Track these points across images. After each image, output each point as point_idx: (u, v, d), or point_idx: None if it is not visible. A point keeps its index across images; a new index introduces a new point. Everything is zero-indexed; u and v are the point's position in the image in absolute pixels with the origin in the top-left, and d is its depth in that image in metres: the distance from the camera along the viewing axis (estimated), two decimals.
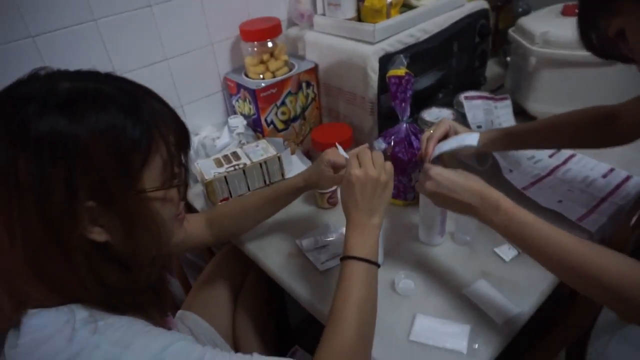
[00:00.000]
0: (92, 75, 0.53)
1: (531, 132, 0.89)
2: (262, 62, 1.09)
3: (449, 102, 1.20)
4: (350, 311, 0.60)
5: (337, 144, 0.86)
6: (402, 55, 0.94)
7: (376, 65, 1.01)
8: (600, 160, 1.06)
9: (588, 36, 0.64)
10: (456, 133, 0.87)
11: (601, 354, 0.80)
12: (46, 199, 0.46)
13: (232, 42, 1.16)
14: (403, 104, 0.95)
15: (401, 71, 0.92)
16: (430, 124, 1.07)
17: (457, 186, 0.71)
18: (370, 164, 0.70)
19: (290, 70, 1.12)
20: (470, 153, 0.97)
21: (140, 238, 0.53)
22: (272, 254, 0.94)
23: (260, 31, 1.06)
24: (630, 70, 0.66)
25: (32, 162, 0.46)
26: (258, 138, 1.13)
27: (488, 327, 0.73)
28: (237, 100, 1.14)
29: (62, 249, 0.49)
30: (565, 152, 1.11)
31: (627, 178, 1.01)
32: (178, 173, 0.56)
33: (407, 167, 0.97)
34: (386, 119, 1.10)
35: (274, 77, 1.09)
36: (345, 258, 0.65)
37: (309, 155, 1.19)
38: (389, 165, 0.71)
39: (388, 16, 1.07)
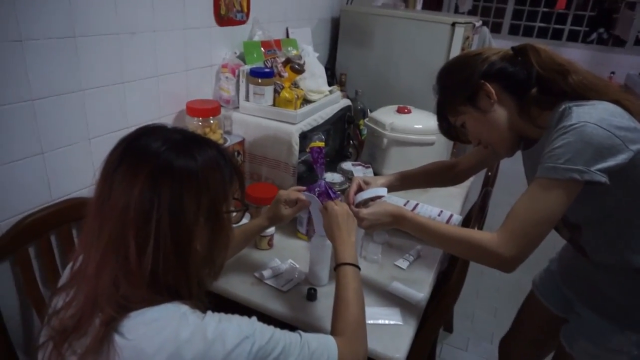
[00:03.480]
0: (180, 129, 0.73)
1: (410, 176, 1.35)
2: (204, 134, 1.33)
3: (332, 169, 1.65)
4: (351, 295, 0.89)
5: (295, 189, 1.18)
6: (320, 132, 1.33)
7: (298, 140, 1.38)
8: (434, 206, 1.62)
9: (442, 126, 1.13)
10: (365, 182, 1.28)
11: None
12: (180, 217, 0.66)
13: (175, 116, 1.39)
14: (322, 167, 1.33)
15: (320, 143, 1.31)
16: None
17: (377, 215, 1.08)
18: (341, 204, 1.05)
19: (225, 142, 1.39)
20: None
21: (219, 246, 0.74)
22: (237, 286, 1.15)
23: (206, 110, 1.33)
24: (440, 148, 1.18)
25: (174, 189, 0.65)
26: None
27: (409, 306, 1.12)
28: None
29: (182, 258, 0.67)
30: (412, 202, 1.65)
31: (451, 216, 1.59)
32: (246, 209, 0.80)
33: None
34: (299, 179, 1.46)
35: None
36: (340, 265, 0.93)
37: None
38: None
39: (295, 106, 1.47)
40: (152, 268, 0.64)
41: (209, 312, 0.68)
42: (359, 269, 0.95)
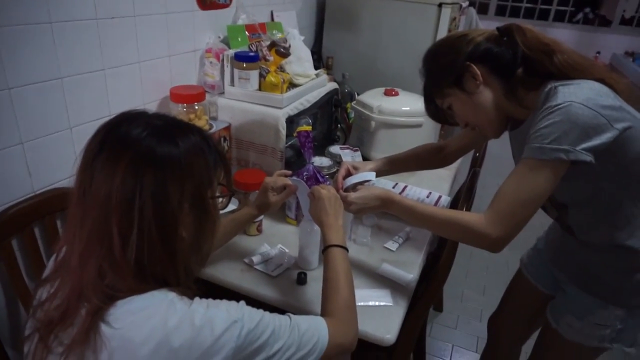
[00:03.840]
0: (162, 115, 0.72)
1: (399, 160, 1.35)
2: (190, 120, 1.31)
3: (321, 153, 1.64)
4: (341, 277, 0.88)
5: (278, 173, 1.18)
6: (307, 116, 1.32)
7: (284, 124, 1.37)
8: (423, 188, 1.63)
9: (430, 108, 1.12)
10: (354, 167, 1.27)
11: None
12: (164, 205, 0.64)
13: (158, 103, 1.36)
14: (309, 151, 1.32)
15: (308, 127, 1.30)
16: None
17: (365, 199, 1.08)
18: (328, 187, 1.04)
19: (210, 128, 1.37)
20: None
21: (205, 233, 0.72)
22: (227, 273, 1.14)
23: (191, 96, 1.31)
24: (428, 130, 1.17)
25: (157, 176, 0.63)
26: None
27: (399, 288, 1.12)
28: None
29: (168, 246, 0.66)
30: (401, 184, 1.65)
31: (439, 197, 1.59)
32: (233, 194, 0.78)
33: None
34: (287, 164, 1.45)
35: None
36: (328, 247, 0.93)
37: None
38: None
39: (282, 90, 1.45)
40: (137, 256, 0.63)
41: (197, 299, 0.67)
42: (347, 250, 0.95)
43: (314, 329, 0.75)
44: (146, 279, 0.65)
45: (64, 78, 1.07)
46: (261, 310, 0.71)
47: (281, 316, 0.73)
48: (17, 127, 0.99)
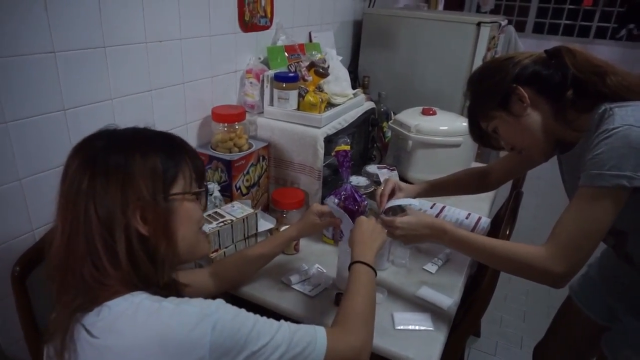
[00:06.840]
0: (131, 128, 0.78)
1: (440, 185, 1.34)
2: (230, 139, 1.34)
3: (356, 172, 1.63)
4: (359, 291, 0.86)
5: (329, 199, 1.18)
6: (345, 136, 1.33)
7: (322, 143, 1.38)
8: (461, 209, 1.59)
9: (475, 132, 1.10)
10: (399, 187, 1.26)
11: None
12: (107, 209, 0.65)
13: (200, 122, 1.40)
14: (347, 170, 1.32)
15: (346, 147, 1.30)
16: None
17: (413, 225, 1.04)
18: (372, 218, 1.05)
19: (250, 147, 1.39)
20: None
21: (170, 230, 0.69)
22: (265, 292, 1.14)
23: (232, 115, 1.34)
24: (466, 150, 1.12)
25: (96, 181, 0.66)
26: (226, 202, 1.33)
27: (439, 311, 1.09)
28: (208, 170, 1.35)
29: (128, 247, 0.65)
30: (439, 205, 1.62)
31: (479, 218, 1.55)
32: (197, 193, 0.74)
33: (355, 214, 1.32)
34: (325, 183, 1.45)
35: (240, 152, 1.35)
36: (353, 263, 0.92)
37: (267, 211, 1.44)
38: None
39: (320, 110, 1.47)
40: (94, 258, 0.65)
41: (171, 297, 0.66)
42: (375, 272, 0.92)
43: (310, 333, 0.72)
44: (120, 282, 0.65)
45: (114, 99, 1.12)
46: (239, 309, 0.68)
47: (265, 317, 0.70)
48: (71, 145, 1.03)
